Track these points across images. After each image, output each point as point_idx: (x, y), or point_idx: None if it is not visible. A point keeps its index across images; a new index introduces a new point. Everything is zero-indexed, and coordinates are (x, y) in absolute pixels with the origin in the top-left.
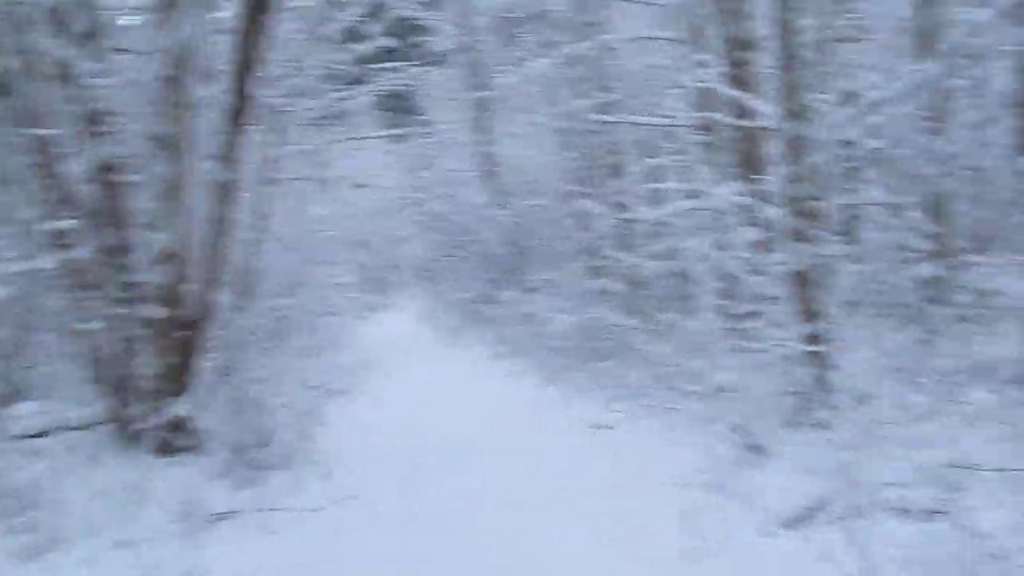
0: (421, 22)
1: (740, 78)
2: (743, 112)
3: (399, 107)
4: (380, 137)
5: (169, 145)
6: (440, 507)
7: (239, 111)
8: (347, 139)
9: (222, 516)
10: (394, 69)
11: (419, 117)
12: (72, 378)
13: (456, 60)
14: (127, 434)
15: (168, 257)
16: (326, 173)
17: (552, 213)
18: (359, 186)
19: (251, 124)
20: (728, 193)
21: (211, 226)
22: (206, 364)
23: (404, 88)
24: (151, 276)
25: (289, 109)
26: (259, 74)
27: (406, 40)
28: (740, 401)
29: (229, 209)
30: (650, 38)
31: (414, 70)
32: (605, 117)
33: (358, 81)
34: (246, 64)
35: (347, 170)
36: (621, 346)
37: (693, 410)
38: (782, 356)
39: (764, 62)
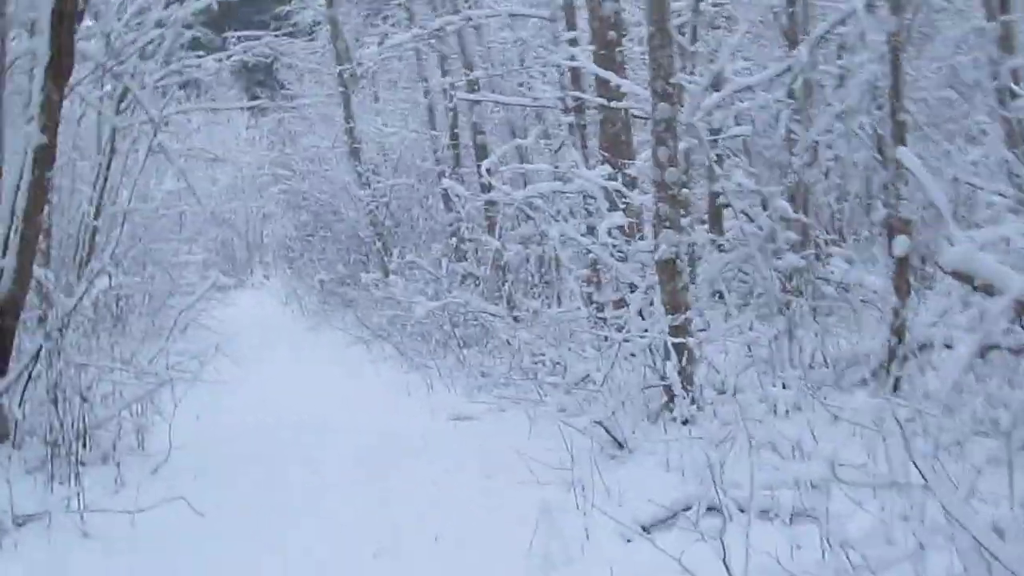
0: None
1: (610, 59)
2: (612, 94)
3: (261, 79)
4: (238, 108)
5: None
6: (288, 493)
7: (57, 66)
8: (201, 108)
9: (29, 518)
10: (255, 37)
11: (283, 91)
12: None
13: (321, 32)
14: None
15: None
16: (179, 144)
17: (416, 193)
18: (215, 159)
19: (77, 84)
20: (596, 176)
21: (27, 196)
22: (22, 347)
23: (265, 59)
24: None
25: (131, 72)
26: (81, 25)
27: (268, 9)
28: (604, 393)
29: (45, 177)
30: (519, 15)
31: (276, 40)
32: (470, 96)
33: (216, 48)
34: (63, 13)
35: (204, 142)
36: (485, 333)
37: (557, 402)
38: (646, 347)
39: (635, 44)
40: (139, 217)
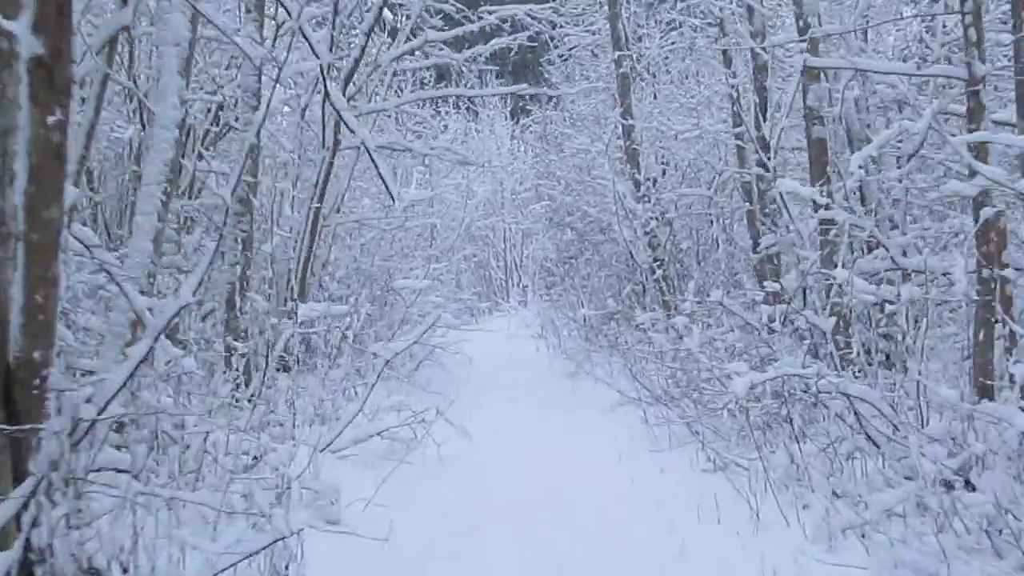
0: None
1: None
2: None
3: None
4: (491, 94)
5: None
6: None
7: None
8: (445, 95)
9: None
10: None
11: (548, 88)
12: None
13: (597, 18)
14: None
15: None
16: (423, 145)
17: (713, 207)
18: (465, 163)
19: None
20: None
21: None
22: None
23: (531, 43)
24: None
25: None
26: None
27: None
28: None
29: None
30: None
31: (542, 10)
32: (822, 62)
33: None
34: None
35: (455, 145)
36: (817, 409)
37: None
38: None
39: None
40: (369, 232)
